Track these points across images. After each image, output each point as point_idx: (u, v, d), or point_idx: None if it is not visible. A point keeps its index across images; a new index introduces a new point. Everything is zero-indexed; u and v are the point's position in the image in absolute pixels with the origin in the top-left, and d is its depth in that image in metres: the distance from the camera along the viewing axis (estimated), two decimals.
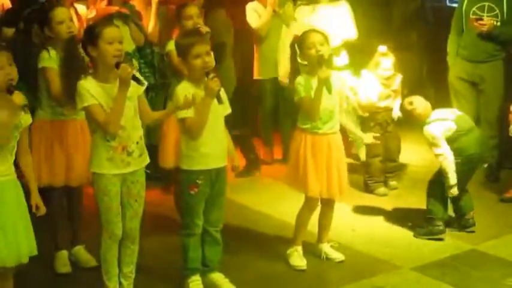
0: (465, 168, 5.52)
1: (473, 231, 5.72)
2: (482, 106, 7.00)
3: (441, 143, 5.40)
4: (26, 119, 4.01)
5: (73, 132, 4.87)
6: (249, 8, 7.44)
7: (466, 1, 6.91)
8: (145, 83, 4.31)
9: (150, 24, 6.78)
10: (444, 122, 5.50)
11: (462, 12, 6.93)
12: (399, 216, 6.06)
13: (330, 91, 4.84)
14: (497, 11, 6.75)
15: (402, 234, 5.75)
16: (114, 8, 6.51)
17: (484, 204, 6.28)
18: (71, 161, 4.85)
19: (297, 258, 5.10)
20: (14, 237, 3.90)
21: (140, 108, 4.34)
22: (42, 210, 4.12)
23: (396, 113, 6.55)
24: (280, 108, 7.57)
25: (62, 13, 4.79)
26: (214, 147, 4.46)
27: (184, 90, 4.36)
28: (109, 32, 4.18)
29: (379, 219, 6.08)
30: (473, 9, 6.80)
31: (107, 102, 4.16)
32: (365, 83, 6.53)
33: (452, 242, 5.54)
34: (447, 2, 8.53)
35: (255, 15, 7.38)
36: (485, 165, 6.99)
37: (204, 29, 5.30)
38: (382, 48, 6.59)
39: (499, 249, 5.42)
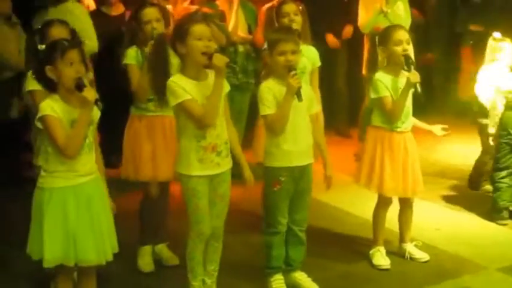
0: None
1: None
2: None
3: None
4: (96, 114, 3.95)
5: (161, 128, 4.85)
6: (362, 2, 7.35)
7: None
8: (228, 87, 4.28)
9: (231, 23, 6.78)
10: None
11: None
12: (484, 216, 5.91)
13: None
14: None
15: (488, 234, 5.62)
16: (195, 7, 6.52)
17: None
18: (158, 157, 4.84)
19: (380, 258, 4.99)
20: (100, 236, 3.89)
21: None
22: (113, 208, 4.10)
23: None
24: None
25: (150, 13, 4.81)
26: (297, 145, 4.38)
27: (268, 88, 4.34)
28: (198, 28, 4.09)
29: (464, 218, 5.94)
30: None
31: (201, 100, 4.08)
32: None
33: None
34: None
35: (364, 10, 7.28)
36: None
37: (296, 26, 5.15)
38: (497, 35, 6.29)
39: None
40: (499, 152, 5.79)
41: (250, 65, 7.01)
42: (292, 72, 4.23)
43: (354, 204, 6.13)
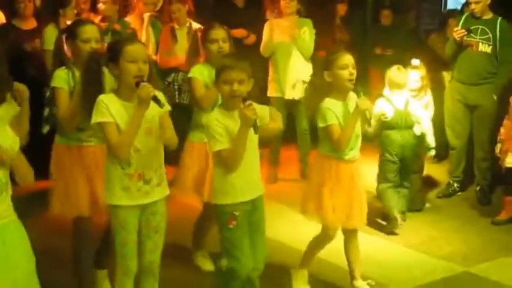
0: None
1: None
2: (475, 127, 6.96)
3: None
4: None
5: (91, 158, 4.46)
6: (266, 25, 7.39)
7: (461, 25, 6.83)
8: (168, 107, 3.98)
9: (142, 41, 6.51)
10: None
11: None
12: (393, 237, 5.97)
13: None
14: (490, 35, 6.68)
15: (394, 256, 5.62)
16: (104, 25, 6.26)
17: (476, 226, 6.27)
18: (94, 190, 4.45)
19: (300, 282, 4.87)
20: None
21: (162, 130, 3.98)
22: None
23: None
24: (297, 129, 7.55)
25: (91, 31, 4.42)
26: (249, 178, 4.10)
27: (216, 120, 4.00)
28: (132, 50, 3.84)
29: (373, 240, 5.88)
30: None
31: (126, 123, 3.82)
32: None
33: (444, 264, 5.43)
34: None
35: (266, 34, 7.36)
36: (477, 188, 6.99)
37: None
38: (415, 62, 6.41)
39: (491, 272, 5.31)
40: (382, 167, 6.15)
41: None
42: (247, 103, 3.91)
43: (280, 230, 5.96)
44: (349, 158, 4.62)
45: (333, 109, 4.55)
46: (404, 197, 6.23)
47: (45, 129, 4.67)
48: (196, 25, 6.99)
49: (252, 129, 3.94)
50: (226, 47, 4.91)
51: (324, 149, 4.66)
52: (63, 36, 4.48)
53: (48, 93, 4.54)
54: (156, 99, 3.80)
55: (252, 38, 7.88)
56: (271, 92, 7.43)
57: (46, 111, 5.31)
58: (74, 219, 4.53)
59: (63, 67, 4.41)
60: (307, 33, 7.34)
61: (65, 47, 4.44)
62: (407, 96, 6.20)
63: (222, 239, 4.16)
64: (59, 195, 4.49)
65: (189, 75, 4.92)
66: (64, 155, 4.48)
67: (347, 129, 4.52)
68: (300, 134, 7.62)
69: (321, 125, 4.59)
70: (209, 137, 4.02)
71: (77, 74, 4.33)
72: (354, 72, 4.53)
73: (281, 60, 7.34)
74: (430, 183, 7.46)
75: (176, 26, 7.22)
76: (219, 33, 4.93)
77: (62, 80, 4.37)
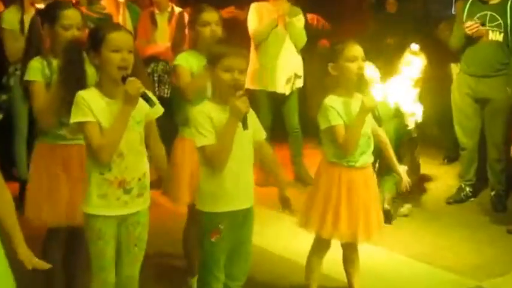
0: None
1: None
2: (487, 124, 6.84)
3: None
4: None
5: (77, 160, 4.26)
6: (252, 8, 7.17)
7: (466, 11, 6.66)
8: (160, 109, 3.89)
9: None
10: None
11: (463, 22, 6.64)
12: (395, 247, 5.84)
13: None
14: (500, 21, 6.52)
15: (397, 267, 5.52)
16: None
17: (489, 235, 6.16)
18: (74, 196, 4.22)
19: None
20: None
21: (148, 137, 3.90)
22: (40, 264, 3.36)
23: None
24: (287, 126, 7.41)
25: (73, 17, 4.23)
26: (241, 184, 3.93)
27: (202, 113, 3.86)
28: (115, 37, 3.69)
29: (373, 249, 5.64)
30: (475, 18, 6.56)
31: (110, 122, 3.69)
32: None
33: (452, 277, 5.32)
34: (453, 11, 8.21)
35: (255, 18, 7.12)
36: (492, 193, 6.87)
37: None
38: (414, 47, 6.32)
39: (505, 287, 5.21)
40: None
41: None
42: (239, 93, 3.79)
43: (275, 241, 5.87)
44: (361, 164, 4.46)
45: (336, 107, 4.39)
46: (395, 184, 6.07)
47: None
48: (178, 9, 6.86)
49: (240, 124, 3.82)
50: (219, 30, 4.73)
51: (330, 154, 4.49)
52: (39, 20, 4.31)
53: (4, 79, 4.41)
54: (145, 97, 3.69)
55: (243, 13, 7.64)
56: (254, 84, 7.20)
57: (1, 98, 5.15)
58: (48, 229, 4.40)
59: (38, 57, 4.23)
60: (301, 21, 7.21)
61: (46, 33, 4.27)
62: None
63: (201, 248, 4.06)
64: (36, 201, 4.31)
65: (174, 62, 4.78)
66: (46, 156, 4.31)
67: (353, 130, 4.35)
68: (290, 133, 7.51)
69: (323, 126, 4.43)
70: (194, 132, 3.89)
71: (54, 63, 4.19)
72: (363, 65, 4.39)
73: (271, 49, 7.16)
74: (439, 187, 7.41)
75: (156, 11, 7.07)
76: (211, 15, 4.75)
77: (37, 71, 4.19)
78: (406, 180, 4.85)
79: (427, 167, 7.41)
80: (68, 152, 4.27)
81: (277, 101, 7.31)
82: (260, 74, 7.20)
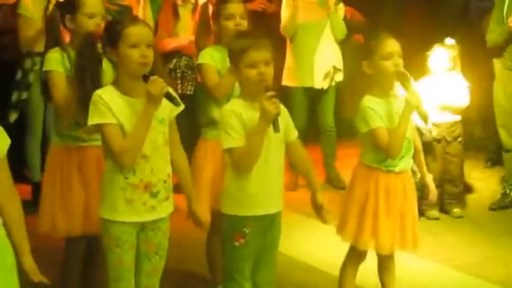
0: None
1: None
2: None
3: None
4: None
5: (93, 163, 4.31)
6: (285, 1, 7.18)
7: (507, 3, 6.58)
8: (182, 105, 3.87)
9: None
10: None
11: (503, 16, 6.59)
12: (438, 257, 5.76)
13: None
14: None
15: (439, 280, 5.45)
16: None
17: None
18: (91, 202, 4.26)
19: None
20: None
21: (171, 137, 3.90)
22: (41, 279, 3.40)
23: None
24: (320, 125, 7.37)
25: (95, 5, 4.28)
26: (267, 187, 3.91)
27: (233, 112, 3.82)
28: (133, 32, 3.67)
29: (412, 259, 5.56)
30: None
31: (132, 122, 3.68)
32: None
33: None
34: None
35: (286, 10, 7.12)
36: None
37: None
38: (449, 41, 6.33)
39: None
40: None
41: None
42: (269, 93, 3.72)
43: (305, 250, 5.80)
44: (400, 169, 4.38)
45: (375, 109, 4.32)
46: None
47: (12, 117, 4.49)
48: (202, 1, 6.80)
49: (272, 126, 3.76)
50: (244, 24, 4.69)
51: (368, 158, 4.43)
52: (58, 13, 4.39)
53: (19, 75, 4.42)
54: (169, 96, 3.70)
55: (273, 6, 7.65)
56: (290, 81, 7.24)
57: (14, 96, 5.15)
58: (66, 239, 4.43)
59: (57, 48, 4.28)
60: (342, 10, 7.18)
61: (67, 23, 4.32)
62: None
63: (223, 253, 4.04)
64: (50, 211, 4.36)
65: (199, 61, 4.75)
66: (62, 160, 4.36)
67: (398, 132, 4.27)
68: (323, 132, 7.49)
69: (362, 129, 4.35)
70: (221, 132, 3.87)
71: (74, 56, 4.23)
72: (400, 62, 4.30)
73: (307, 43, 7.12)
74: (482, 192, 7.37)
75: (179, 2, 7.01)
76: (236, 7, 4.72)
77: (57, 61, 4.23)
78: (433, 190, 4.72)
79: (468, 170, 7.33)
80: (84, 154, 4.31)
81: (314, 98, 7.30)
82: (296, 69, 7.19)
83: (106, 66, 4.04)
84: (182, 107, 3.87)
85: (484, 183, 7.57)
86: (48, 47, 4.32)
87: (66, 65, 4.23)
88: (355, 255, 4.53)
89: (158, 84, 3.62)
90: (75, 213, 4.30)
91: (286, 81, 7.24)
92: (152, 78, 3.63)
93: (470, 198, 7.14)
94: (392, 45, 4.32)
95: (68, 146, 4.31)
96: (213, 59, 4.65)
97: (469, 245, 6.06)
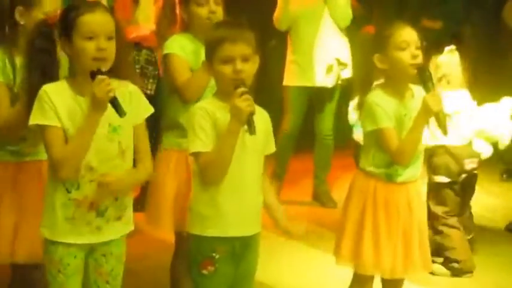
0: None
1: None
2: None
3: None
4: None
5: (32, 180, 4.28)
6: None
7: None
8: (149, 108, 3.87)
9: None
10: None
11: None
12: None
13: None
14: None
15: None
16: None
17: None
18: (24, 225, 4.26)
19: None
20: None
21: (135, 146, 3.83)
22: None
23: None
24: (317, 130, 7.40)
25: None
26: (242, 204, 3.85)
27: (204, 111, 3.79)
28: (88, 21, 3.63)
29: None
30: None
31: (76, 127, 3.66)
32: None
33: None
34: None
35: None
36: None
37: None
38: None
39: None
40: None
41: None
42: (240, 89, 3.71)
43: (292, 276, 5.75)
44: (403, 180, 4.40)
45: (384, 106, 4.34)
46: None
47: None
48: None
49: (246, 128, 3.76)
50: (219, 11, 4.67)
51: (368, 162, 4.45)
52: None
53: None
54: (114, 103, 3.61)
55: None
56: (291, 80, 7.28)
57: None
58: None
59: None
60: None
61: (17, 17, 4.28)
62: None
63: (191, 281, 3.99)
64: None
65: (165, 50, 4.72)
66: None
67: (411, 137, 4.31)
68: (320, 139, 7.50)
69: (368, 128, 4.39)
70: (189, 132, 3.85)
71: (18, 60, 4.23)
72: (419, 53, 4.31)
73: (306, 31, 7.15)
74: (497, 209, 7.46)
75: None
76: None
77: None
78: None
79: (482, 184, 7.24)
80: (22, 170, 4.30)
81: (313, 97, 7.30)
82: (294, 66, 7.22)
83: (63, 59, 3.97)
84: (151, 110, 3.85)
85: (499, 200, 7.66)
86: None
87: (6, 72, 4.22)
88: (358, 283, 4.53)
89: (104, 86, 3.55)
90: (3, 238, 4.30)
91: (285, 81, 7.29)
92: (99, 77, 3.56)
93: (484, 216, 7.12)
94: (408, 33, 4.34)
95: (7, 161, 4.31)
96: (183, 49, 4.63)
97: (485, 274, 6.01)
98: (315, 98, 7.29)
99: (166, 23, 5.00)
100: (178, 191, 4.54)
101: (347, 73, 7.23)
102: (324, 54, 7.10)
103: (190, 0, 4.67)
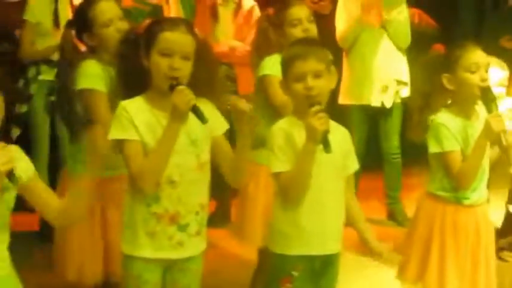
0: None
1: None
2: None
3: None
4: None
5: (114, 199, 4.35)
6: (341, 1, 7.11)
7: None
8: (224, 124, 3.88)
9: None
10: None
11: None
12: None
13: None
14: None
15: None
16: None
17: None
18: (114, 242, 4.27)
19: None
20: None
21: (217, 157, 3.86)
22: None
23: None
24: (384, 149, 7.33)
25: (110, 10, 4.46)
26: (323, 223, 3.86)
27: (282, 131, 3.83)
28: (167, 38, 3.67)
29: None
30: None
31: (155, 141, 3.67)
32: None
33: None
34: None
35: (343, 15, 7.07)
36: None
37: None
38: None
39: None
40: None
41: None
42: (315, 108, 3.70)
43: None
44: (471, 203, 4.38)
45: (451, 128, 4.33)
46: None
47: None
48: (249, 2, 6.88)
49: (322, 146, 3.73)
50: (313, 29, 4.80)
51: (436, 186, 4.43)
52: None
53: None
54: (196, 110, 3.61)
55: (327, 6, 7.69)
56: (348, 98, 7.17)
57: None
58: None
59: (94, 60, 4.45)
60: (404, 13, 7.07)
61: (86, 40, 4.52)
62: None
63: None
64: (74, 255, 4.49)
65: (263, 72, 4.84)
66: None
67: (473, 160, 4.29)
68: (387, 158, 7.41)
69: (434, 150, 4.37)
70: (269, 153, 3.89)
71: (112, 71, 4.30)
72: (487, 76, 4.31)
73: (365, 51, 7.07)
74: None
75: (219, 1, 7.05)
76: (302, 10, 4.85)
77: (96, 78, 4.41)
78: None
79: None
80: (111, 185, 4.36)
81: (375, 118, 7.25)
82: (351, 84, 7.13)
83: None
84: (227, 126, 3.87)
85: None
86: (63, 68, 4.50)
87: (105, 79, 4.36)
88: None
89: (184, 95, 3.56)
90: (93, 256, 4.43)
91: (342, 99, 7.19)
92: (179, 88, 3.58)
93: None
94: (479, 56, 4.33)
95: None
96: (279, 70, 4.61)
97: None
98: (377, 118, 7.25)
99: (264, 46, 5.03)
100: (267, 206, 4.51)
101: (406, 92, 7.13)
102: (380, 73, 7.04)
103: (284, 22, 4.75)
